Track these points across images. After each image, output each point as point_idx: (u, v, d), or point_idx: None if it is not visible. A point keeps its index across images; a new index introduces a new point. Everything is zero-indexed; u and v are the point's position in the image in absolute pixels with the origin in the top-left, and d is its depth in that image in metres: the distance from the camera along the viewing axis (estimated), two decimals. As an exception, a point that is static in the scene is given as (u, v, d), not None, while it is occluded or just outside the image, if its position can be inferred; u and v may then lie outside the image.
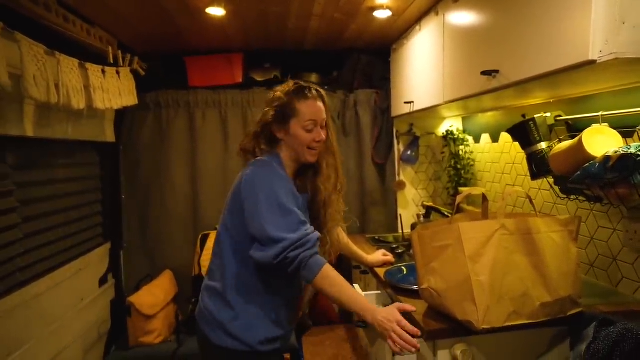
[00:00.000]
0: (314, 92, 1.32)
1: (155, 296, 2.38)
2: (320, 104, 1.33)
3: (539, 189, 1.80)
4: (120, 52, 2.24)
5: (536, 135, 1.53)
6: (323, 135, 1.33)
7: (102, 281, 2.40)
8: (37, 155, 1.87)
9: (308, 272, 1.18)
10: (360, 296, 1.20)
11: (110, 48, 2.14)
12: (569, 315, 1.17)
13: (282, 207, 1.19)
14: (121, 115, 2.57)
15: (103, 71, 2.01)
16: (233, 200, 1.28)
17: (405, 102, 2.36)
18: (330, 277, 1.18)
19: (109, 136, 2.47)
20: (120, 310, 2.43)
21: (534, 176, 1.56)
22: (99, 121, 2.34)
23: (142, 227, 2.73)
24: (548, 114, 1.56)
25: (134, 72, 2.37)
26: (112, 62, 2.13)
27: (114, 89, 2.11)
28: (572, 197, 1.45)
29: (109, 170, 2.57)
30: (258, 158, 1.32)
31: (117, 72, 2.16)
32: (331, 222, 1.40)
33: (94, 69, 1.93)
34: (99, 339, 2.32)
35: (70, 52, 1.75)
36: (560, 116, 1.56)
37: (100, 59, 2.07)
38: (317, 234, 1.23)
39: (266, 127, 1.34)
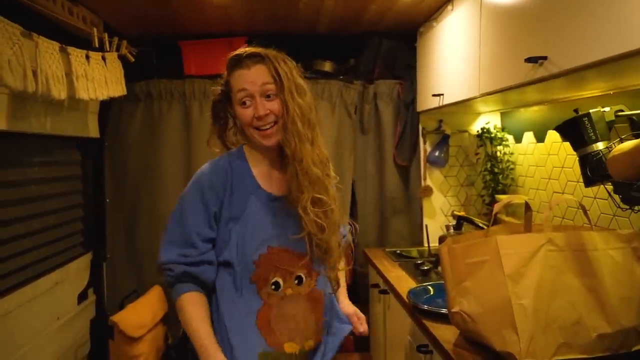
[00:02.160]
0: (247, 59, 1.21)
1: (142, 316, 2.38)
2: (257, 69, 1.20)
3: (595, 198, 1.78)
4: (106, 34, 2.25)
5: (591, 134, 1.51)
6: (270, 108, 1.19)
7: (82, 297, 2.40)
8: (10, 152, 1.88)
9: (173, 296, 1.26)
10: (202, 334, 1.18)
11: (95, 30, 2.15)
12: (634, 350, 1.15)
13: (183, 214, 1.27)
14: (107, 107, 2.59)
15: (87, 56, 2.03)
16: None
17: (434, 95, 2.34)
18: (182, 309, 1.23)
19: (93, 131, 2.48)
20: (102, 332, 2.43)
21: (589, 182, 1.55)
22: (82, 114, 2.36)
23: (128, 235, 2.74)
24: (607, 109, 1.54)
25: (122, 58, 2.39)
26: (97, 46, 2.15)
27: (100, 77, 2.12)
28: (637, 207, 1.43)
29: (91, 170, 2.58)
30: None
31: (103, 58, 2.18)
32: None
33: (76, 54, 1.94)
34: (77, 364, 2.32)
35: (49, 35, 1.76)
36: (622, 111, 1.54)
37: (84, 43, 2.08)
38: (188, 268, 1.23)
39: (216, 112, 1.34)
